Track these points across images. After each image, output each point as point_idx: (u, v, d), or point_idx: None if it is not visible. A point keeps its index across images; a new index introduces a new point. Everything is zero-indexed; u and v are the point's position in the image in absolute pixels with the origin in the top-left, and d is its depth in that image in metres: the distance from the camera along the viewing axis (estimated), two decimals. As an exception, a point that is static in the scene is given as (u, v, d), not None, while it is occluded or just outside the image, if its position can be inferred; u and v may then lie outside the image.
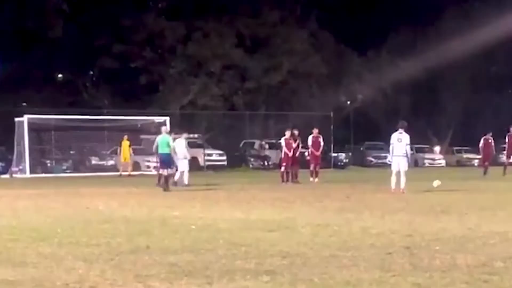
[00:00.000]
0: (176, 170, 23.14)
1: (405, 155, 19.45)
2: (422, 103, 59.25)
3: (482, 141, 31.32)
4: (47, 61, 52.15)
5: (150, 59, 53.31)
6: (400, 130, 19.73)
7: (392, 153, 19.82)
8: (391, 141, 19.91)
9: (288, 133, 26.47)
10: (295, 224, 11.44)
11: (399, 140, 19.54)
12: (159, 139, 22.52)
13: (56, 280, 6.88)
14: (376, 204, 15.34)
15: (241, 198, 18.05)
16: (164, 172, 22.04)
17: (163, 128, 23.56)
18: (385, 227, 10.83)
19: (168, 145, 22.18)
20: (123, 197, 18.94)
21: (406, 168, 19.40)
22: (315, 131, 27.22)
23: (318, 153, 26.94)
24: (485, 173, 30.06)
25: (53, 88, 54.49)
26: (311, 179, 26.30)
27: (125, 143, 34.97)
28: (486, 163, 31.06)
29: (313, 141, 26.79)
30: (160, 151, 22.32)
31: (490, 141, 31.23)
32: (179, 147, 23.57)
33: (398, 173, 19.31)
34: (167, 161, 22.18)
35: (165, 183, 21.59)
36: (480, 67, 58.19)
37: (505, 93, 58.37)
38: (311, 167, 26.76)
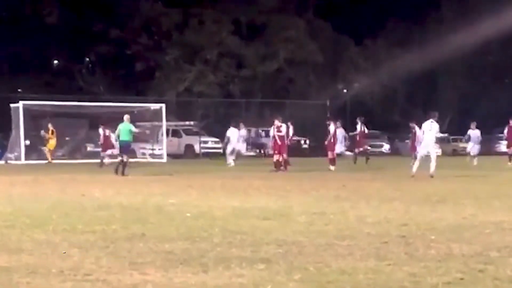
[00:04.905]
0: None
1: (434, 142, 21.31)
2: (419, 92, 59.30)
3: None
4: (43, 48, 52.04)
5: (146, 45, 53.24)
6: (432, 120, 21.20)
7: (422, 140, 21.54)
8: (423, 129, 21.54)
9: (277, 122, 26.55)
10: (291, 212, 11.44)
11: (430, 129, 21.02)
12: (121, 126, 23.91)
13: (51, 267, 6.86)
14: (372, 193, 15.34)
15: (237, 186, 18.03)
16: (124, 157, 23.46)
17: (126, 117, 24.39)
18: (381, 216, 10.83)
19: (130, 133, 23.75)
20: (119, 184, 18.93)
21: (435, 155, 21.11)
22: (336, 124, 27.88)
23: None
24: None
25: (49, 75, 54.40)
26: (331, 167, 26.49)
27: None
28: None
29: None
30: (121, 138, 23.80)
31: None
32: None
33: (423, 159, 20.91)
34: (127, 147, 24.03)
35: (123, 168, 22.88)
36: (477, 57, 58.19)
37: (502, 83, 58.40)
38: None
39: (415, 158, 30.16)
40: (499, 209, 11.87)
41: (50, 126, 34.23)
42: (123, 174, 22.68)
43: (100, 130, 32.21)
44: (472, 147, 31.68)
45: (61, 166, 31.14)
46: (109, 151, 31.71)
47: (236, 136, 31.61)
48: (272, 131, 27.09)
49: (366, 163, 30.90)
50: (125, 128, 23.75)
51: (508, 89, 56.00)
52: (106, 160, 30.99)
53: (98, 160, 31.68)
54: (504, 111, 33.24)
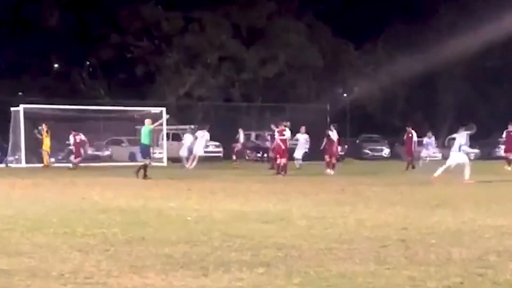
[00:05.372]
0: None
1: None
2: (418, 96, 59.29)
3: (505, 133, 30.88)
4: (43, 51, 52.06)
5: (146, 49, 53.26)
6: (470, 132, 21.66)
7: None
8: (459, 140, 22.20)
9: (281, 126, 26.77)
10: (291, 216, 11.45)
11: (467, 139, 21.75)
12: (142, 130, 24.26)
13: (51, 270, 6.88)
14: (372, 197, 15.35)
15: (237, 189, 18.04)
16: (146, 161, 23.72)
17: (147, 121, 24.62)
18: (380, 220, 10.84)
19: (150, 136, 24.00)
20: (119, 187, 18.94)
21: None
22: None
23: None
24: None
25: (49, 78, 54.41)
26: (328, 170, 26.64)
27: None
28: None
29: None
30: (141, 141, 24.27)
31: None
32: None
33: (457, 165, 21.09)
34: (147, 151, 24.25)
35: (144, 171, 23.00)
36: (476, 61, 58.16)
37: (501, 87, 58.40)
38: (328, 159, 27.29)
39: (411, 163, 30.39)
40: (498, 214, 11.88)
41: (44, 127, 34.28)
42: (144, 177, 22.64)
43: (71, 137, 32.41)
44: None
45: (60, 170, 31.14)
46: (78, 159, 32.03)
47: (190, 140, 32.38)
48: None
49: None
50: (145, 131, 23.94)
51: (507, 94, 55.99)
52: (71, 166, 31.24)
53: (97, 164, 31.78)
54: (503, 116, 33.26)
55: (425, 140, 34.55)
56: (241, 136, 35.35)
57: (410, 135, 31.86)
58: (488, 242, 8.63)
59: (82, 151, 32.88)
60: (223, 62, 53.74)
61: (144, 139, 23.93)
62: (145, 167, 23.20)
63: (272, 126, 30.45)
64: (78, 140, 32.04)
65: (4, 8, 51.36)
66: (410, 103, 59.54)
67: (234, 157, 35.06)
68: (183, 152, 32.33)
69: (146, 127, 24.04)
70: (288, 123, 28.20)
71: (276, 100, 50.65)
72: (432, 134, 34.91)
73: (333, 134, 28.18)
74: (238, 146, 35.63)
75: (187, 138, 32.80)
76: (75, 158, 32.36)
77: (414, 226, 10.08)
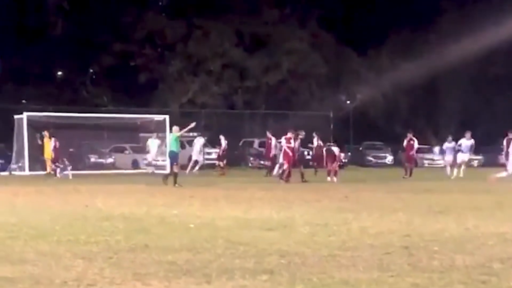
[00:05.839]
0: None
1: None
2: (422, 103, 59.27)
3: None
4: (47, 59, 52.15)
5: (150, 57, 53.34)
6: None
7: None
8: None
9: (290, 133, 26.84)
10: (294, 223, 11.44)
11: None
12: (169, 137, 24.52)
13: (55, 277, 6.88)
14: (375, 204, 15.34)
15: (240, 196, 18.04)
16: (174, 168, 23.60)
17: (174, 128, 24.50)
18: (383, 227, 10.83)
19: (177, 143, 23.95)
20: (122, 195, 18.95)
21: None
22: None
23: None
24: None
25: (52, 86, 54.50)
26: (329, 178, 26.54)
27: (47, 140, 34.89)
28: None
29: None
30: (169, 149, 24.33)
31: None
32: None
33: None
34: (175, 158, 24.03)
35: (174, 178, 22.97)
36: (479, 68, 58.17)
37: (504, 94, 58.36)
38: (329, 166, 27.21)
39: (409, 170, 30.18)
40: (502, 220, 11.87)
41: (46, 133, 34.37)
42: (175, 184, 22.74)
43: (52, 142, 32.43)
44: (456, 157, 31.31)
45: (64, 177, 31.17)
46: (57, 164, 32.10)
47: (155, 147, 32.80)
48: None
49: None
50: (172, 139, 24.11)
51: (511, 100, 55.96)
52: (58, 173, 31.31)
53: (100, 171, 31.82)
54: (506, 123, 33.16)
55: (445, 145, 32.70)
56: (223, 142, 35.85)
57: (412, 142, 31.67)
58: (492, 249, 8.62)
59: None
60: (226, 69, 53.80)
61: (172, 146, 23.98)
62: (174, 174, 23.24)
63: (268, 133, 32.09)
64: (57, 146, 32.03)
65: (8, 16, 51.47)
66: (414, 110, 59.53)
67: (217, 163, 35.65)
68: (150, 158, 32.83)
69: (173, 135, 24.13)
70: (303, 133, 28.17)
71: (279, 107, 50.69)
72: (452, 139, 32.54)
73: (315, 141, 28.52)
74: (220, 153, 36.00)
75: (154, 145, 33.20)
76: (53, 162, 32.11)
77: (417, 233, 10.06)
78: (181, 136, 24.83)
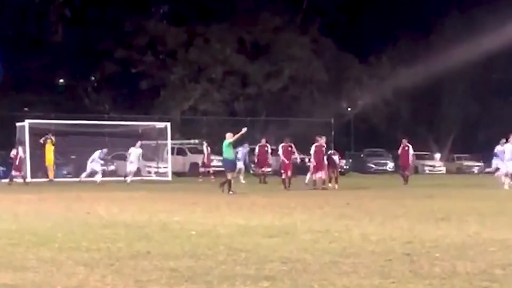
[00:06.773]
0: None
1: None
2: (423, 110, 59.31)
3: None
4: (48, 66, 52.23)
5: (151, 64, 53.40)
6: None
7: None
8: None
9: (287, 140, 27.10)
10: (296, 230, 11.45)
11: None
12: (223, 144, 23.96)
13: (56, 284, 6.88)
14: (376, 211, 15.34)
15: (241, 203, 18.05)
16: (228, 175, 23.42)
17: (228, 135, 24.20)
18: (385, 233, 10.83)
19: (230, 149, 23.84)
20: (124, 202, 18.95)
21: None
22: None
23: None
24: None
25: (54, 93, 54.55)
26: (330, 185, 26.43)
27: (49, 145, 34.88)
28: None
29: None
30: (223, 156, 24.12)
31: None
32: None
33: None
34: (229, 165, 23.99)
35: (229, 186, 22.97)
36: (480, 75, 58.24)
37: (506, 101, 58.40)
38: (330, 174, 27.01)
39: (406, 177, 30.05)
40: (504, 227, 11.87)
41: (52, 138, 34.45)
42: (229, 191, 22.68)
43: (20, 150, 32.44)
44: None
45: (66, 184, 31.19)
46: (22, 173, 32.14)
47: (136, 155, 32.83)
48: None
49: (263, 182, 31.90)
50: (225, 145, 23.84)
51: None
52: (18, 180, 31.33)
53: (102, 179, 31.89)
54: (508, 129, 33.14)
55: (497, 148, 28.58)
56: (205, 149, 36.21)
57: (406, 148, 31.36)
58: (493, 256, 8.62)
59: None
60: (228, 76, 53.85)
61: (225, 153, 23.81)
62: (229, 181, 23.14)
63: (263, 140, 33.51)
64: (23, 156, 32.17)
65: (9, 24, 51.58)
66: (415, 117, 59.57)
67: (205, 170, 35.90)
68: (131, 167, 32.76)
69: (226, 141, 23.86)
70: (324, 137, 27.61)
71: (280, 114, 50.73)
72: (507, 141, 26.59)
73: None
74: (203, 159, 36.29)
75: (135, 153, 33.17)
76: (16, 170, 32.14)
77: (418, 239, 10.06)
78: (234, 141, 24.34)
